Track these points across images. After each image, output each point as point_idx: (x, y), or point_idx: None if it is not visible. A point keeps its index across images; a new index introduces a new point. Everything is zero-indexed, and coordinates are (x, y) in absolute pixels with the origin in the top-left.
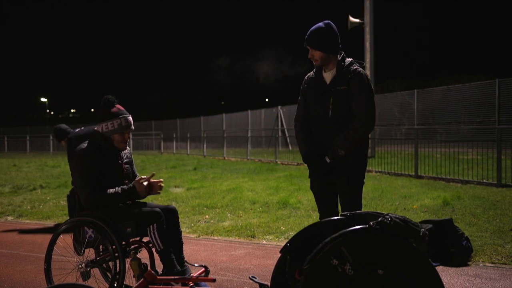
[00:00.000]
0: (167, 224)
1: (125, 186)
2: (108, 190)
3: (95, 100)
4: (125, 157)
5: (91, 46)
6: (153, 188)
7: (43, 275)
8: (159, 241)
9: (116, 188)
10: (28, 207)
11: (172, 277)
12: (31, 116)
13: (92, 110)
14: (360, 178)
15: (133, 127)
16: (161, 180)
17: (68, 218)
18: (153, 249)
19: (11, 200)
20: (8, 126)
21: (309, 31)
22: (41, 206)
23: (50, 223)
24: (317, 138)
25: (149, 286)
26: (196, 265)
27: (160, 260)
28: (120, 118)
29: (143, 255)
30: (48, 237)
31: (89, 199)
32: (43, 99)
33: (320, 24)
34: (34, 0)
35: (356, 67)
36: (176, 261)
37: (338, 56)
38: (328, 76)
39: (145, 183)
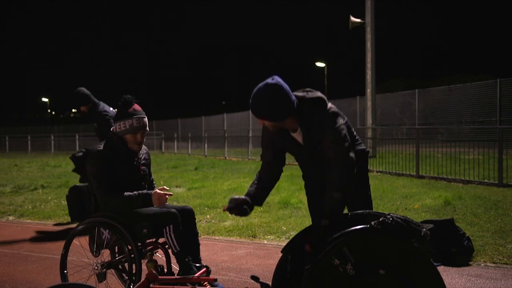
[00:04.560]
0: (184, 225)
1: (143, 191)
2: (125, 193)
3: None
4: (142, 158)
5: (92, 46)
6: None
7: (44, 275)
8: (175, 243)
9: (134, 192)
10: (30, 207)
11: (173, 277)
12: (32, 116)
13: None
14: (366, 183)
15: (147, 128)
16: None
17: (69, 218)
18: (169, 250)
19: (12, 200)
20: (10, 126)
21: (252, 96)
22: (42, 206)
23: (51, 223)
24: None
25: (150, 286)
26: (197, 265)
27: (177, 262)
28: (132, 119)
29: (158, 257)
30: (49, 237)
31: (104, 200)
32: (45, 99)
33: (261, 87)
34: (35, 0)
35: (320, 115)
36: (193, 262)
37: (296, 113)
38: (297, 135)
39: (161, 192)
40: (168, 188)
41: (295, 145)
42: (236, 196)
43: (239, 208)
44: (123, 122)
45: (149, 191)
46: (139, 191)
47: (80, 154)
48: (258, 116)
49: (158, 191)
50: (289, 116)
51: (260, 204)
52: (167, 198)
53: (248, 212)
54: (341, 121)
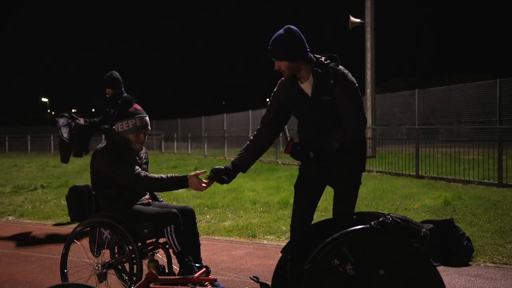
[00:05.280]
0: (184, 225)
1: (178, 175)
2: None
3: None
4: (143, 157)
5: (92, 46)
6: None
7: (44, 275)
8: (176, 243)
9: (168, 174)
10: (29, 207)
11: (173, 277)
12: (32, 116)
13: (93, 110)
14: (359, 182)
15: (149, 127)
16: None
17: (69, 218)
18: (170, 251)
19: (12, 200)
20: (9, 126)
21: (271, 41)
22: (42, 206)
23: (51, 223)
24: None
25: (150, 286)
26: (198, 265)
27: (177, 262)
28: (135, 118)
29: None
30: (49, 237)
31: (139, 182)
32: (44, 99)
33: (280, 31)
34: (35, 0)
35: (333, 68)
36: (194, 263)
37: (310, 61)
38: (306, 87)
39: (200, 180)
40: (206, 171)
41: (302, 96)
42: (217, 167)
43: (218, 177)
44: (125, 122)
45: (185, 175)
46: (173, 174)
47: (67, 116)
48: (276, 56)
49: (196, 178)
50: (304, 60)
51: (244, 171)
52: (204, 188)
53: (227, 181)
54: (354, 79)
